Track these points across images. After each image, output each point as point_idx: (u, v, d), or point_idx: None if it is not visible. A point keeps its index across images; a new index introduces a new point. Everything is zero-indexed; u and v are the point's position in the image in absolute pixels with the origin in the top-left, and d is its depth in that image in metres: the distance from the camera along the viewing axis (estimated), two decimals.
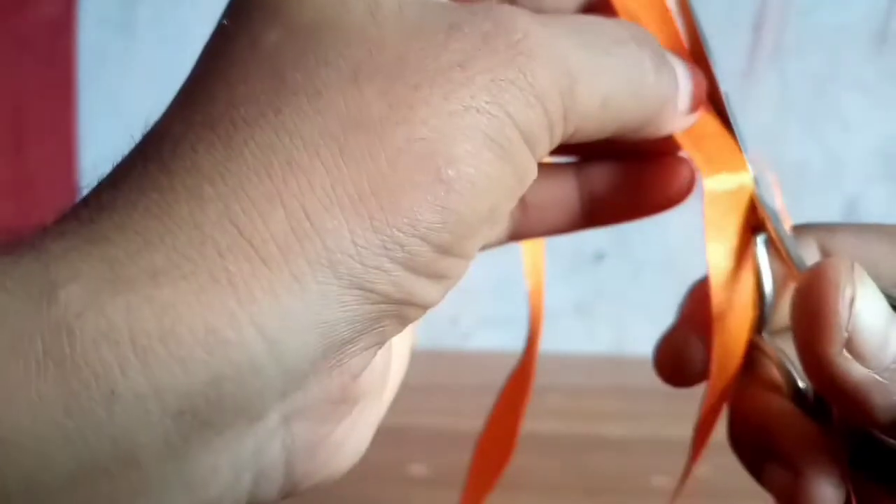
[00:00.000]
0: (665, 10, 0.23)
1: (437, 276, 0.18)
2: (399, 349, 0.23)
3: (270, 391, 0.17)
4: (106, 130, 0.57)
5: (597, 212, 0.25)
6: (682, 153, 0.24)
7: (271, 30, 0.18)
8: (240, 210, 0.17)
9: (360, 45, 0.18)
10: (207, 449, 0.17)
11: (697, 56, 0.23)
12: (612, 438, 0.49)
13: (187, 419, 0.16)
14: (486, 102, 0.18)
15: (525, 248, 0.28)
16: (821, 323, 0.19)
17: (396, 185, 0.17)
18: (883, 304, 0.19)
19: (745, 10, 0.57)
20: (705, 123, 0.23)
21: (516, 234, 0.26)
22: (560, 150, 0.21)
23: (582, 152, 0.25)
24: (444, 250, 0.18)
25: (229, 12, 0.19)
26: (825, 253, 0.23)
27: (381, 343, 0.19)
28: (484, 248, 0.20)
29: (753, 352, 0.23)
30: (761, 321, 0.23)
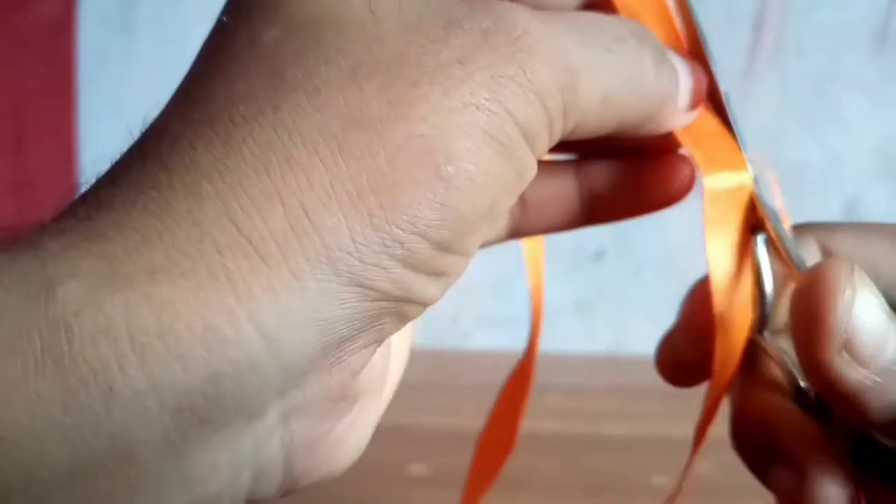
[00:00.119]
0: (665, 9, 0.23)
1: (436, 273, 0.18)
2: (398, 347, 0.23)
3: (269, 388, 0.17)
4: (106, 130, 0.57)
5: (597, 209, 0.25)
6: (683, 150, 0.24)
7: (271, 27, 0.18)
8: (238, 207, 0.17)
9: (359, 43, 0.18)
10: (206, 446, 0.17)
11: (696, 55, 0.23)
12: (612, 438, 0.49)
13: (186, 416, 0.16)
14: (486, 99, 0.18)
15: (525, 246, 0.28)
16: (819, 325, 0.19)
17: (396, 182, 0.17)
18: (881, 307, 0.19)
19: (745, 10, 0.57)
20: (705, 122, 0.23)
21: (516, 232, 0.26)
22: (560, 147, 0.21)
23: (582, 150, 0.25)
24: (444, 247, 0.18)
25: (229, 9, 0.19)
26: (826, 252, 0.23)
27: (380, 340, 0.19)
28: (484, 245, 0.20)
29: (755, 351, 0.23)
30: (762, 321, 0.23)
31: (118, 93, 0.57)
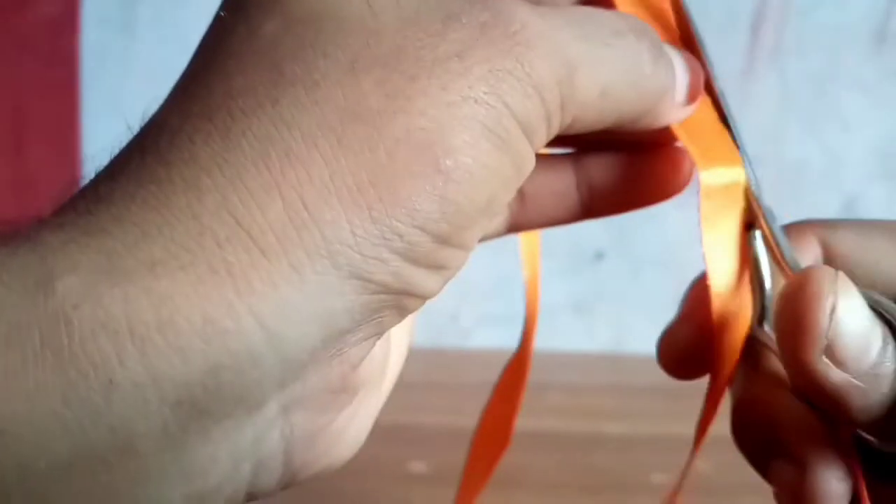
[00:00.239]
0: (661, 4, 0.23)
1: (435, 266, 0.18)
2: (398, 339, 0.23)
3: (269, 381, 0.17)
4: (107, 130, 0.57)
5: (595, 203, 0.25)
6: (679, 144, 0.24)
7: (269, 21, 0.18)
8: (238, 201, 0.17)
9: (357, 36, 0.18)
10: (206, 438, 0.17)
11: (691, 50, 0.23)
12: (611, 436, 0.49)
13: (185, 408, 0.16)
14: (484, 93, 0.18)
15: (522, 239, 0.28)
16: (801, 330, 0.19)
17: (395, 175, 0.17)
18: (864, 313, 0.20)
19: (744, 10, 0.57)
20: (702, 117, 0.23)
21: (515, 226, 0.26)
22: (558, 141, 0.21)
23: (580, 144, 0.25)
24: (443, 240, 0.18)
25: (227, 4, 0.19)
26: (826, 249, 0.23)
27: (379, 333, 0.19)
28: (483, 239, 0.20)
29: (755, 345, 0.23)
30: (762, 314, 0.23)
31: (119, 92, 0.57)
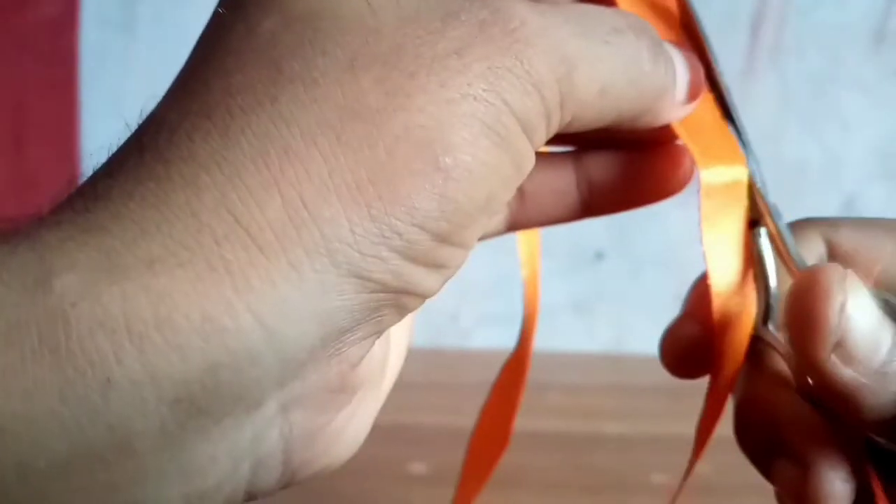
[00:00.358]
0: (664, 1, 0.23)
1: (435, 265, 0.18)
2: (397, 338, 0.23)
3: (268, 379, 0.17)
4: (107, 129, 0.57)
5: (595, 201, 0.25)
6: (680, 142, 0.24)
7: (268, 18, 0.18)
8: (236, 199, 0.17)
9: (356, 34, 0.18)
10: (204, 437, 0.17)
11: (696, 47, 0.23)
12: (611, 436, 0.49)
13: (184, 407, 0.16)
14: (484, 90, 0.18)
15: (521, 238, 0.28)
16: (811, 328, 0.19)
17: (394, 173, 0.17)
18: (874, 312, 0.20)
19: (745, 10, 0.57)
20: (703, 115, 0.23)
21: (514, 224, 0.26)
22: (557, 139, 0.20)
23: (580, 142, 0.25)
24: (443, 239, 0.18)
25: (225, 1, 0.19)
26: (830, 247, 0.23)
27: (379, 332, 0.19)
28: (482, 238, 0.20)
29: (759, 344, 0.23)
30: (767, 313, 0.23)
31: (118, 92, 0.57)
